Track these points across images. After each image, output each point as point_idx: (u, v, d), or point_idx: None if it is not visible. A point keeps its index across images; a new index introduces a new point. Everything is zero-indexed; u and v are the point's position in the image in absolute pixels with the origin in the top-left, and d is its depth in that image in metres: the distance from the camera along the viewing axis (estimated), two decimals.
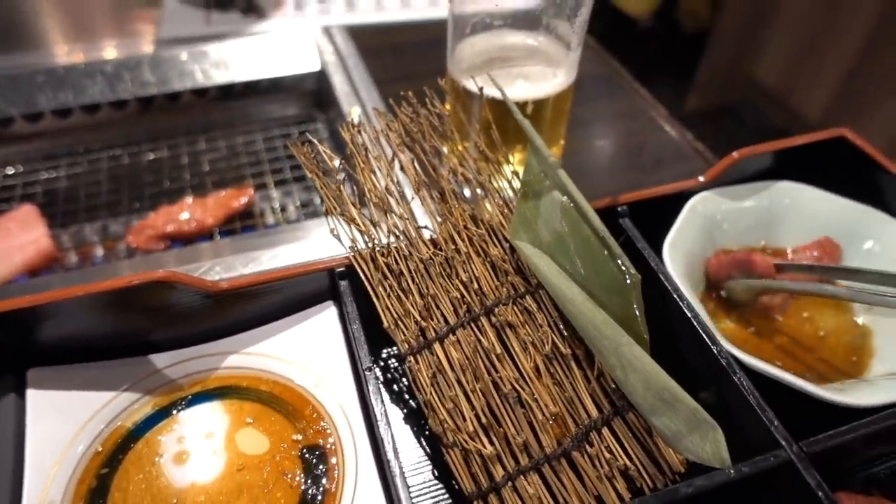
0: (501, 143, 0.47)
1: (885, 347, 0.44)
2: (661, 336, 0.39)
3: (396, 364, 0.46)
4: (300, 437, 0.40)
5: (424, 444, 0.42)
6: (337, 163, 0.45)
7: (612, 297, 0.38)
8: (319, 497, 0.37)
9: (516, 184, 0.46)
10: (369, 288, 0.41)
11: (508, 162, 0.47)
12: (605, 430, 0.37)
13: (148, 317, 0.42)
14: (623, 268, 0.37)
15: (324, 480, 0.38)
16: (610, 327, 0.37)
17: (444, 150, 0.47)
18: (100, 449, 0.39)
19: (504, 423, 0.36)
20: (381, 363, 0.46)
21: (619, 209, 0.47)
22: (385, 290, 0.41)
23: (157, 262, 0.57)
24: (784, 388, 0.38)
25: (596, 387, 0.38)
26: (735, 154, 0.50)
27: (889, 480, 0.41)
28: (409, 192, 0.45)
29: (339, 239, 0.43)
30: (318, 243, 0.56)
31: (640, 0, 2.01)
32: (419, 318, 0.40)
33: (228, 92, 0.79)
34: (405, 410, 0.43)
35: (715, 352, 0.39)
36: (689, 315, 0.41)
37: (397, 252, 0.42)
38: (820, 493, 0.33)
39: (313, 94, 0.82)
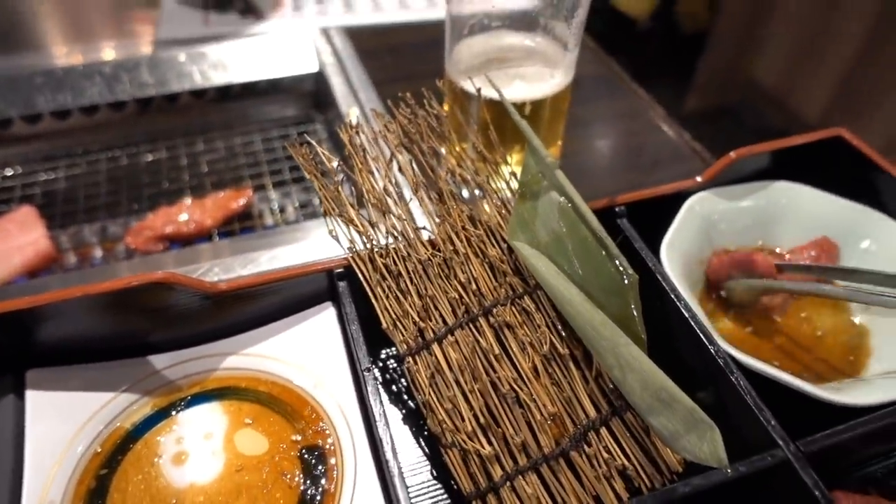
0: (499, 143, 0.47)
1: (883, 347, 0.45)
2: (659, 336, 0.39)
3: (395, 365, 0.46)
4: (299, 438, 0.40)
5: (423, 444, 0.42)
6: (335, 164, 0.45)
7: (610, 297, 0.38)
8: (318, 497, 0.37)
9: (514, 184, 0.46)
10: (368, 289, 0.41)
11: (506, 162, 0.47)
12: (603, 430, 0.37)
13: (147, 318, 0.42)
14: (621, 268, 0.38)
15: (323, 481, 0.38)
16: (608, 327, 0.37)
17: (443, 150, 0.47)
18: (99, 450, 0.39)
19: (502, 423, 0.36)
20: (380, 364, 0.46)
21: (616, 209, 0.47)
22: (383, 291, 0.41)
23: (155, 263, 0.57)
24: (781, 387, 0.38)
25: (594, 387, 0.38)
26: (732, 154, 0.50)
27: (886, 479, 0.41)
28: (407, 193, 0.45)
29: (337, 240, 0.43)
30: (316, 244, 0.56)
31: (638, 1, 2.01)
32: (418, 319, 0.40)
33: (227, 93, 0.79)
34: (404, 411, 0.43)
35: (712, 352, 0.39)
36: (687, 315, 0.41)
37: (396, 253, 0.42)
38: (817, 493, 0.33)
39: (311, 95, 0.82)
